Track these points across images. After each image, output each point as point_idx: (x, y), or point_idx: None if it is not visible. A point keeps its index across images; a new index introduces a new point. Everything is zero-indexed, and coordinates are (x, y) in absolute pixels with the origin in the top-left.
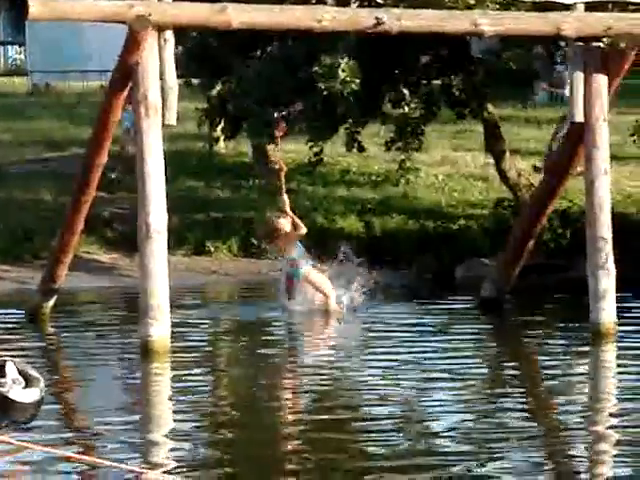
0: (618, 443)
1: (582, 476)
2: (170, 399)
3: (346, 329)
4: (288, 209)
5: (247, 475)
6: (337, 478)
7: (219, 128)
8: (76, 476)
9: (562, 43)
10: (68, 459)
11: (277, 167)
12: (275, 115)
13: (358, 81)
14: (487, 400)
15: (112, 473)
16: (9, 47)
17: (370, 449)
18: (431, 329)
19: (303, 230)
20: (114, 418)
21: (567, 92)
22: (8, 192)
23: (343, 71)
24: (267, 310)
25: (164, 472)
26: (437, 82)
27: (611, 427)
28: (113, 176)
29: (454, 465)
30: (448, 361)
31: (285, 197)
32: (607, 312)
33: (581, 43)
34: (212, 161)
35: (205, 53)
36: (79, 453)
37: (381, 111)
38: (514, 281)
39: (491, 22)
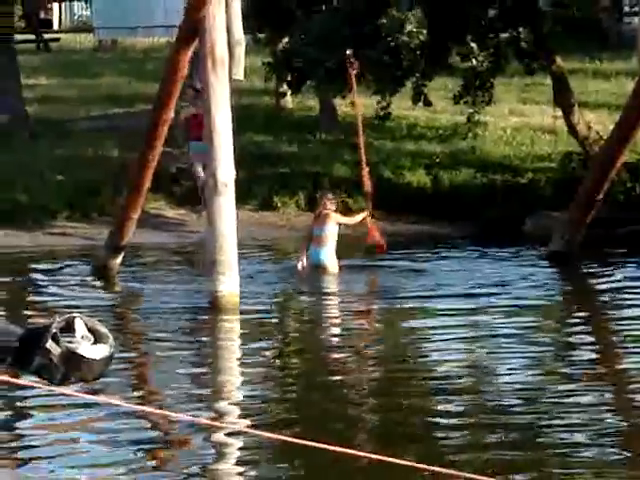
0: None
1: None
2: (239, 356)
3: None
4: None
5: (315, 433)
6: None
7: (285, 82)
8: (146, 429)
9: None
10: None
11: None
12: (347, 53)
13: (425, 32)
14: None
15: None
16: (75, 3)
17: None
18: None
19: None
20: (183, 373)
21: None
22: (74, 148)
23: (410, 23)
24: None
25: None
26: (505, 35)
27: None
28: None
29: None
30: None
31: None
32: None
33: None
34: (279, 116)
35: (271, 7)
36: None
37: (448, 64)
38: (583, 234)
39: None
